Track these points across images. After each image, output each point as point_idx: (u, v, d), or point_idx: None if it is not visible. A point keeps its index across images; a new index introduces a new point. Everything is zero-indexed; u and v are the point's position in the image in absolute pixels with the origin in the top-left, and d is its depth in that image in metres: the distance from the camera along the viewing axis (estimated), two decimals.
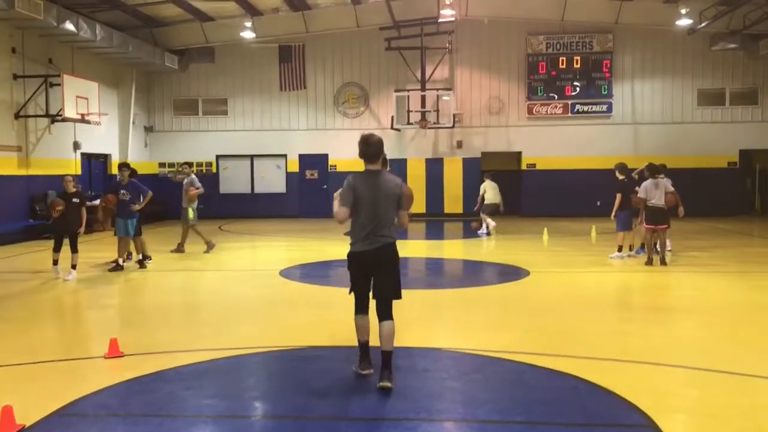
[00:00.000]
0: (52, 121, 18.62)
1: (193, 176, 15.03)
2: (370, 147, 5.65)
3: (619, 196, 13.03)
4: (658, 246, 12.36)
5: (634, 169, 13.84)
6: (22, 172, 17.64)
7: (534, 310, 8.67)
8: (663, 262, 12.05)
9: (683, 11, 20.73)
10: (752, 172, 25.26)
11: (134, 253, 13.82)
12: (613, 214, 13.14)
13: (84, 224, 11.39)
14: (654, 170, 12.16)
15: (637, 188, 12.96)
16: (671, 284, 10.80)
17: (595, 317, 8.37)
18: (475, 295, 9.82)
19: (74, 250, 11.18)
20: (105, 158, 22.23)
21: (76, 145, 20.22)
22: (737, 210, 23.55)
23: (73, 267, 11.19)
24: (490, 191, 18.34)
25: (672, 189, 11.96)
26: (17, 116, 17.47)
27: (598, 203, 23.09)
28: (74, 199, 11.24)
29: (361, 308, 5.64)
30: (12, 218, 17.05)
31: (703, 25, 21.17)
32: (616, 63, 24.06)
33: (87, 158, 21.22)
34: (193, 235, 14.87)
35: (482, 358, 6.30)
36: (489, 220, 18.23)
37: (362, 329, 5.67)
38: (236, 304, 9.23)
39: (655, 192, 11.95)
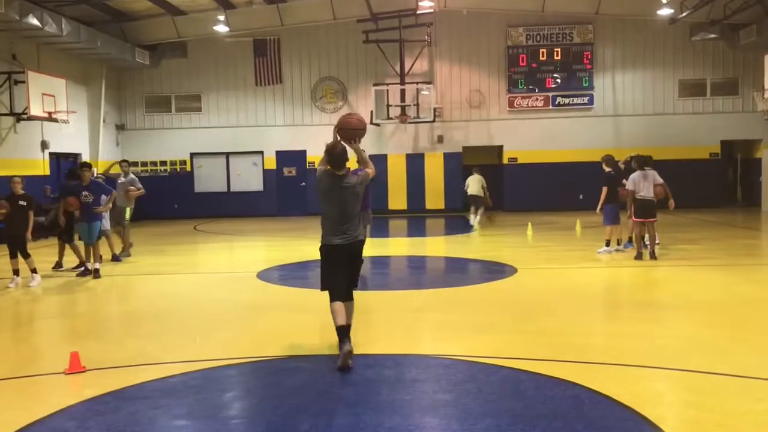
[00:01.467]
0: (18, 120, 17.91)
1: (133, 175, 14.32)
2: (333, 157, 6.02)
3: (605, 189, 12.67)
4: (646, 240, 12.04)
5: (622, 161, 13.48)
6: None
7: (523, 310, 8.26)
8: (653, 256, 11.71)
9: (664, 1, 20.46)
10: (734, 162, 25.17)
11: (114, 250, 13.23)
12: (599, 207, 12.79)
13: (31, 229, 10.63)
14: (642, 161, 11.81)
15: (624, 180, 12.62)
16: (664, 279, 10.44)
17: (588, 316, 8.00)
18: (461, 295, 9.38)
19: (25, 255, 10.50)
20: (75, 158, 21.46)
21: (44, 145, 19.51)
22: (719, 201, 23.41)
23: (33, 271, 10.57)
24: (471, 183, 18.00)
25: (661, 181, 11.61)
26: None
27: (581, 196, 22.93)
28: (21, 202, 10.54)
29: (336, 296, 6.06)
30: None
31: (684, 15, 20.94)
32: (596, 54, 23.79)
33: (56, 158, 20.49)
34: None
35: (473, 365, 5.86)
36: (474, 214, 17.88)
37: (340, 314, 5.99)
38: (210, 309, 8.70)
39: (643, 184, 11.59)
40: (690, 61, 23.73)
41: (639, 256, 11.80)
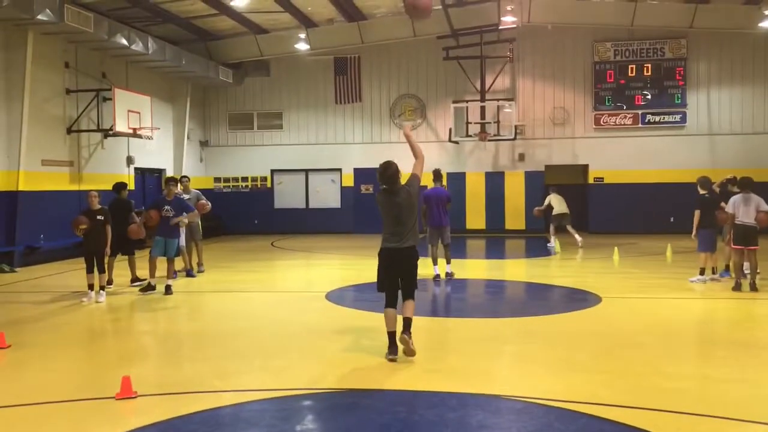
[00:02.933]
0: (105, 136, 18.42)
1: (196, 190, 14.26)
2: (385, 177, 6.89)
3: (697, 213, 11.73)
4: (745, 269, 11.02)
5: (717, 183, 12.50)
6: (74, 187, 17.42)
7: (607, 345, 7.56)
8: (753, 288, 10.69)
9: (766, 12, 19.13)
10: None
11: (191, 264, 13.29)
12: (694, 232, 11.85)
13: (109, 244, 10.70)
14: (744, 184, 10.82)
15: (723, 204, 11.65)
16: (767, 315, 9.46)
17: (679, 356, 7.23)
18: (540, 325, 8.74)
19: (101, 270, 10.56)
20: (159, 173, 21.97)
21: (130, 160, 20.00)
22: None
23: (102, 288, 10.60)
24: (555, 202, 17.93)
25: (766, 208, 10.56)
26: (69, 131, 17.29)
27: (672, 219, 21.71)
28: (98, 217, 10.62)
29: (389, 302, 6.98)
30: (64, 234, 16.78)
31: None
32: (690, 70, 22.51)
33: (141, 173, 21.01)
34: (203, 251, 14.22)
35: (549, 411, 5.27)
36: (553, 236, 17.74)
37: (390, 320, 6.88)
38: (273, 331, 8.42)
39: (744, 209, 10.62)
40: None
41: (737, 287, 10.79)
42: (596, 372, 6.42)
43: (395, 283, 6.90)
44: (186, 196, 13.67)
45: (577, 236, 17.89)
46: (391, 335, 6.79)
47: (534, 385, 5.98)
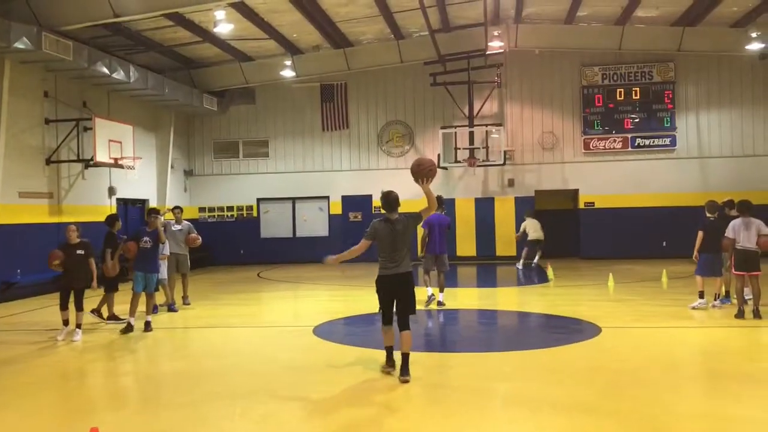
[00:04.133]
0: (86, 167, 17.96)
1: (188, 222, 13.78)
2: (388, 202, 7.42)
3: (700, 234, 11.36)
4: (746, 294, 10.65)
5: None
6: (54, 219, 16.90)
7: (608, 381, 7.12)
8: (757, 315, 10.32)
9: (753, 35, 19.10)
10: None
11: (173, 298, 12.82)
12: (694, 253, 11.47)
13: (95, 278, 10.21)
14: (743, 208, 10.51)
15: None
16: None
17: (687, 392, 6.80)
18: (536, 359, 8.29)
19: (79, 308, 10.03)
20: (142, 204, 21.49)
21: (112, 191, 19.54)
22: None
23: (78, 326, 10.05)
24: (530, 228, 19.43)
25: (767, 231, 10.25)
26: (48, 161, 16.83)
27: (664, 243, 21.44)
28: (78, 251, 10.10)
29: (386, 320, 7.45)
30: (42, 268, 16.20)
31: None
32: (678, 93, 22.44)
33: (123, 204, 20.51)
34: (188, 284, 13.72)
35: None
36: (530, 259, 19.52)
37: (387, 337, 7.52)
38: (256, 371, 7.91)
39: (744, 234, 10.30)
40: None
41: (740, 314, 10.41)
42: (605, 413, 5.98)
43: (392, 306, 7.36)
44: (178, 227, 13.24)
45: (539, 261, 19.45)
46: (389, 349, 7.48)
47: (543, 427, 5.53)
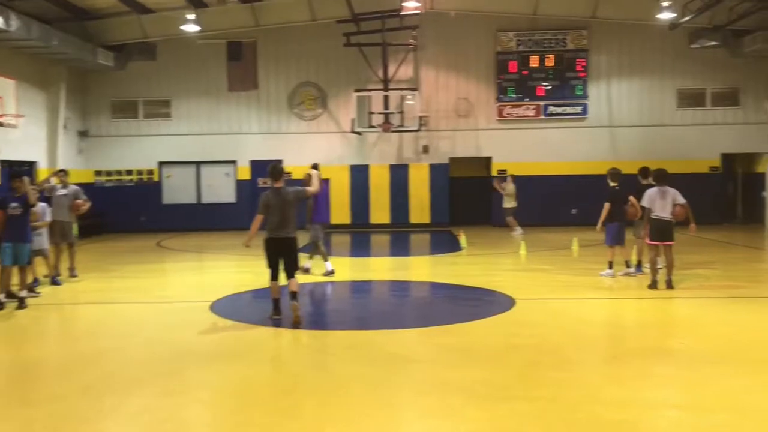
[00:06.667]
0: None
1: (75, 186, 12.61)
2: (274, 171, 8.74)
3: (607, 205, 11.32)
4: (658, 264, 10.54)
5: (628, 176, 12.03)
6: None
7: (529, 361, 6.68)
8: (670, 286, 10.22)
9: (665, 4, 19.13)
10: (734, 177, 23.85)
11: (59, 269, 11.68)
12: (598, 225, 11.43)
13: None
14: (659, 176, 10.33)
15: (631, 197, 11.20)
16: (693, 317, 8.70)
17: (613, 374, 6.35)
18: (451, 337, 7.76)
19: None
20: (30, 166, 19.71)
21: None
22: (720, 218, 22.05)
23: None
24: (510, 192, 19.84)
25: (683, 201, 10.10)
26: None
27: (574, 211, 21.58)
28: None
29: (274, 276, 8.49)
30: None
31: (686, 19, 19.60)
32: (591, 62, 22.43)
33: (8, 166, 18.70)
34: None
35: None
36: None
37: (275, 290, 8.49)
38: (138, 358, 7.03)
39: (660, 202, 10.12)
40: (689, 70, 22.41)
41: (654, 285, 10.28)
42: (524, 399, 5.49)
43: (278, 264, 8.38)
44: (63, 192, 12.04)
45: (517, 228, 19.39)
46: (275, 301, 8.44)
47: (455, 424, 4.99)
